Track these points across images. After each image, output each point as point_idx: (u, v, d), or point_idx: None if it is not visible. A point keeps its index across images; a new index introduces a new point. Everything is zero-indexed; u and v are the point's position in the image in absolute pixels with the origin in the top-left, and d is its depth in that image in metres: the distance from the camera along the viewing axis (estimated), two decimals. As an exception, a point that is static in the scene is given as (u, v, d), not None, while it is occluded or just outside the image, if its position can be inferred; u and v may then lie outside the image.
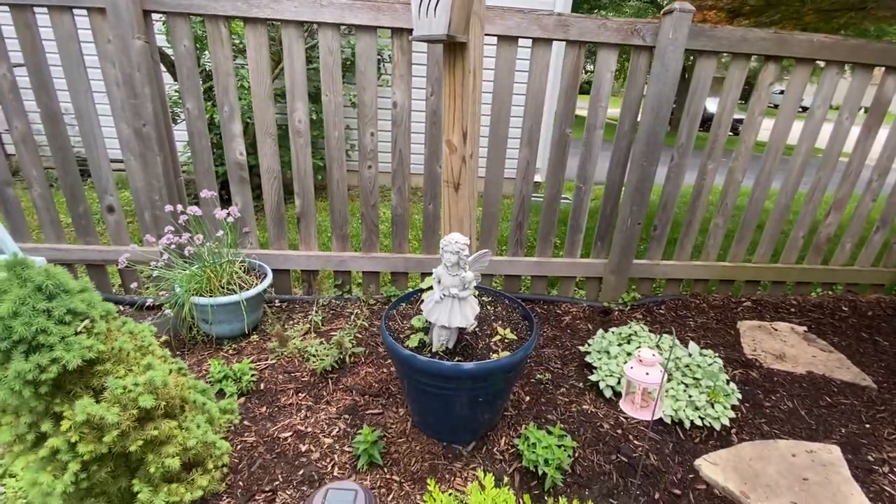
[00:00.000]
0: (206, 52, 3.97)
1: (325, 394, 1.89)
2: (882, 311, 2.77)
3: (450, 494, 1.37)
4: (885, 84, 2.43)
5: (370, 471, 1.53)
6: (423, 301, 1.58)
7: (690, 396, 1.86)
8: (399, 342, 1.56)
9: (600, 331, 2.30)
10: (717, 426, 1.77)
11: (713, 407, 1.82)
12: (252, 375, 1.90)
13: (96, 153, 2.23)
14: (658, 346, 2.13)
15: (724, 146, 2.48)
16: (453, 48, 1.41)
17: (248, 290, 2.14)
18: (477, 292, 1.81)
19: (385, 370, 2.03)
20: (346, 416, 1.76)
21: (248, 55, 2.14)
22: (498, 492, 1.15)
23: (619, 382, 1.93)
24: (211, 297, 2.06)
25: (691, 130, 2.41)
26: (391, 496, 1.45)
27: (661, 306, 2.70)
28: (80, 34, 2.05)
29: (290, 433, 1.68)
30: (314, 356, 2.04)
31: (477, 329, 1.66)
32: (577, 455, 1.63)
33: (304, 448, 1.62)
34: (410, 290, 2.22)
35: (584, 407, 1.88)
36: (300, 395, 1.88)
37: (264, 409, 1.80)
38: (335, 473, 1.52)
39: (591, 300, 2.76)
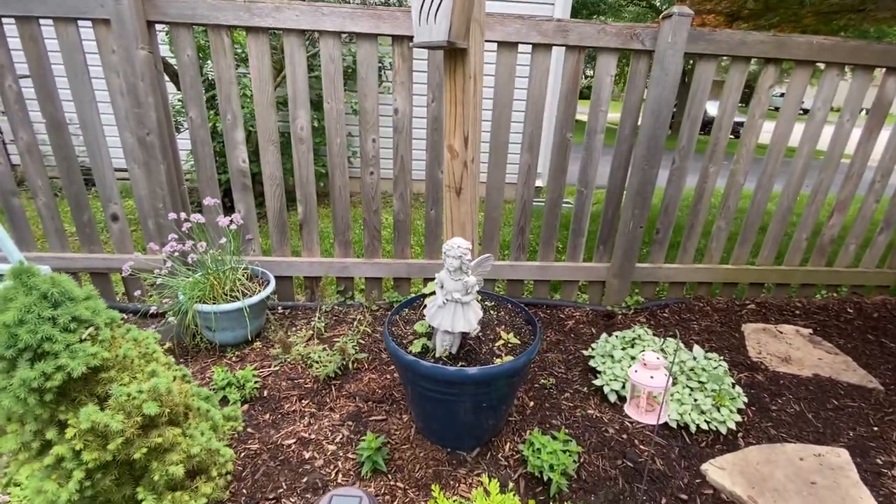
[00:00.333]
0: (209, 62, 4.00)
1: (328, 400, 1.88)
2: (888, 312, 2.76)
3: (454, 501, 1.36)
4: (885, 85, 2.43)
5: (374, 477, 1.52)
6: (425, 306, 1.58)
7: (696, 400, 1.85)
8: (402, 348, 1.55)
9: (604, 335, 2.29)
10: (724, 430, 1.75)
11: (719, 411, 1.81)
12: (255, 382, 1.90)
13: (100, 162, 2.25)
14: (662, 350, 2.12)
15: (725, 149, 2.48)
16: (454, 54, 1.42)
17: (251, 297, 2.14)
18: (480, 297, 1.80)
19: (388, 376, 2.03)
20: (350, 423, 1.76)
21: (251, 64, 2.15)
22: (503, 498, 1.14)
23: (623, 387, 1.92)
24: (214, 304, 2.06)
25: (692, 134, 2.42)
26: (396, 503, 1.44)
27: (664, 310, 2.69)
28: (84, 45, 2.08)
29: (294, 440, 1.68)
30: (317, 363, 2.04)
31: (480, 334, 1.66)
32: (582, 460, 1.62)
33: (307, 455, 1.62)
34: (413, 295, 2.22)
35: (589, 411, 1.87)
36: (303, 401, 1.87)
37: (268, 416, 1.79)
38: (339, 480, 1.52)
39: (594, 304, 2.76)
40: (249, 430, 1.72)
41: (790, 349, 2.35)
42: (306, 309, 2.57)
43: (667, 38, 2.16)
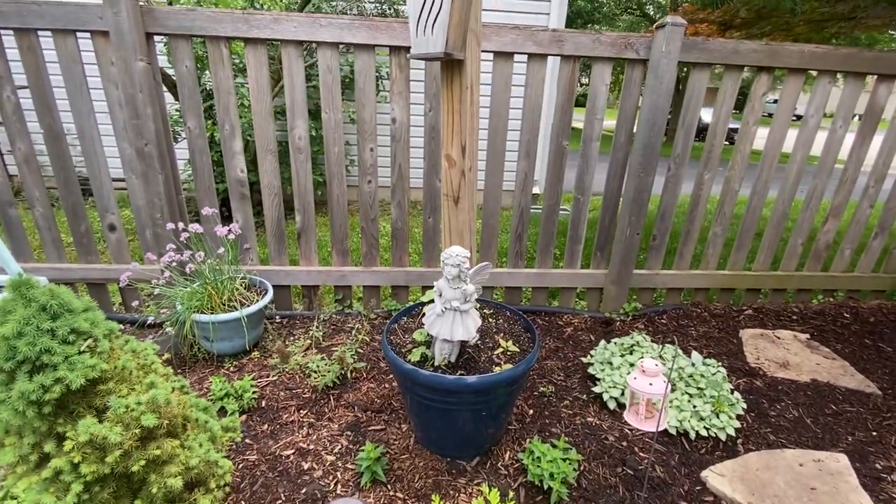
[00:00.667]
0: (207, 72, 4.02)
1: (326, 410, 1.87)
2: (884, 316, 2.77)
3: (455, 510, 1.35)
4: (877, 92, 2.47)
5: (373, 488, 1.52)
6: (424, 314, 1.58)
7: (695, 407, 1.85)
8: (401, 356, 1.55)
9: (602, 342, 2.30)
10: (723, 436, 1.75)
11: (718, 417, 1.81)
12: (253, 392, 1.89)
13: (98, 172, 2.25)
14: (661, 357, 2.12)
15: (720, 156, 2.50)
16: (451, 65, 1.44)
17: (248, 306, 2.14)
18: (478, 305, 1.81)
19: (387, 385, 2.02)
20: (349, 433, 1.75)
21: (249, 74, 2.17)
22: (503, 507, 1.13)
23: (622, 394, 1.92)
24: (212, 314, 2.06)
25: (687, 141, 2.44)
26: (395, 513, 1.44)
27: (662, 316, 2.70)
28: (83, 56, 2.09)
29: (293, 451, 1.67)
30: (315, 372, 2.04)
31: (479, 342, 1.66)
32: (582, 468, 1.62)
33: (306, 466, 1.61)
34: (411, 303, 2.22)
35: (589, 419, 1.87)
36: (302, 411, 1.86)
37: (266, 426, 1.79)
38: (338, 491, 1.51)
39: (592, 311, 2.76)
40: (248, 440, 1.71)
41: (788, 354, 2.36)
42: (304, 318, 2.57)
43: (661, 48, 2.19)
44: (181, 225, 2.17)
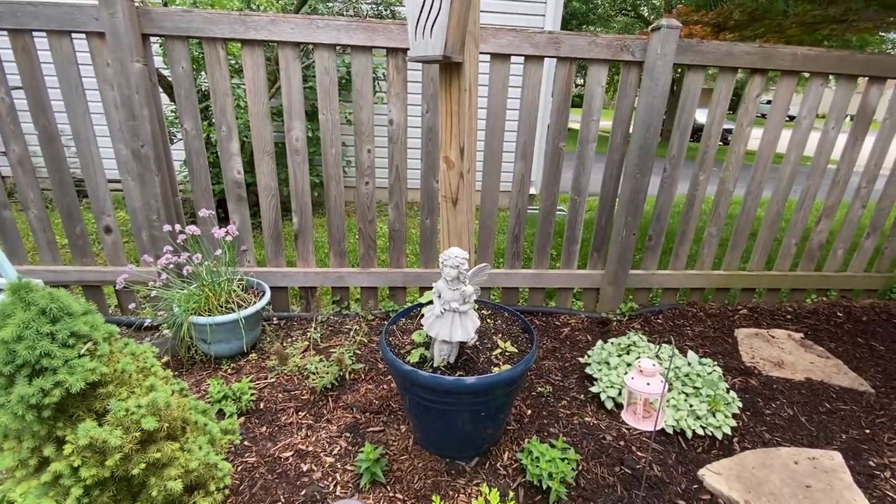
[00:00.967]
0: (203, 73, 4.01)
1: (325, 412, 1.87)
2: (876, 315, 2.80)
3: (454, 511, 1.36)
4: (868, 93, 2.50)
5: (373, 489, 1.52)
6: (422, 315, 1.59)
7: (691, 406, 1.86)
8: (400, 357, 1.56)
9: (599, 342, 2.31)
10: (719, 435, 1.77)
11: (714, 416, 1.83)
12: (251, 394, 1.89)
13: (94, 174, 2.24)
14: (657, 356, 2.14)
15: (714, 157, 2.53)
16: (449, 68, 1.44)
17: (246, 308, 2.13)
18: (476, 306, 1.81)
19: (385, 386, 2.03)
20: (348, 434, 1.75)
21: (246, 76, 2.16)
22: (503, 507, 1.14)
23: (619, 393, 1.93)
24: (210, 316, 2.05)
25: (682, 142, 2.46)
26: (395, 514, 1.44)
27: (658, 316, 2.71)
28: (78, 57, 2.08)
29: (291, 453, 1.67)
30: (314, 374, 2.04)
31: (478, 343, 1.67)
32: (580, 468, 1.63)
33: (305, 468, 1.61)
34: (409, 304, 2.22)
35: (587, 419, 1.88)
36: (300, 413, 1.86)
37: (264, 428, 1.78)
38: (338, 493, 1.51)
39: (588, 311, 2.77)
40: (246, 443, 1.71)
41: (782, 353, 2.38)
42: (302, 319, 2.56)
43: (656, 50, 2.20)
44: (178, 227, 2.16)
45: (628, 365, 2.07)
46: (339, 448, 1.69)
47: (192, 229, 2.13)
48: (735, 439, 1.80)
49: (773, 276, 2.85)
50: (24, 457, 0.98)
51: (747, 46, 2.30)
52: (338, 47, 2.17)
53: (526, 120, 2.37)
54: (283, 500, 1.48)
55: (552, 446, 1.60)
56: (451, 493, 1.52)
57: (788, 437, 1.83)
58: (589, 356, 2.21)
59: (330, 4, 5.00)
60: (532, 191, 5.79)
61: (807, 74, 2.45)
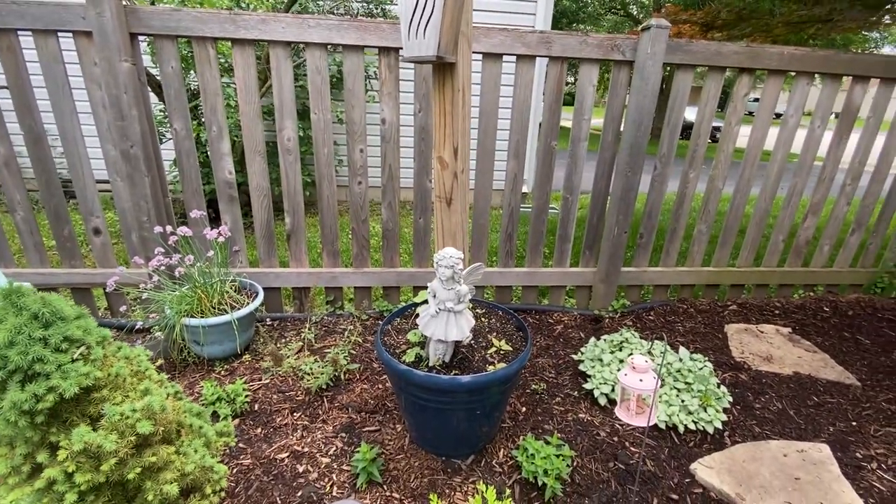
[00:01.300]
0: (192, 71, 3.96)
1: (320, 412, 1.87)
2: (862, 310, 2.86)
3: (451, 509, 1.37)
4: (853, 92, 2.54)
5: (370, 489, 1.52)
6: (417, 315, 1.59)
7: (683, 401, 1.89)
8: (395, 357, 1.56)
9: (592, 339, 2.33)
10: (711, 429, 1.80)
11: (705, 411, 1.86)
12: (246, 396, 1.88)
13: (82, 174, 2.21)
14: (650, 353, 2.16)
15: (704, 154, 2.56)
16: (442, 68, 1.44)
17: (239, 309, 2.12)
18: (471, 304, 1.82)
19: (381, 386, 2.03)
20: (343, 435, 1.75)
21: (236, 75, 2.15)
22: (500, 504, 1.15)
23: (613, 390, 1.95)
24: (202, 317, 2.04)
25: (672, 140, 2.48)
26: (392, 513, 1.44)
27: (650, 312, 2.74)
28: (64, 56, 2.05)
29: (287, 454, 1.66)
30: (308, 374, 2.03)
31: (472, 342, 1.68)
32: (575, 464, 1.64)
33: (301, 468, 1.60)
34: (403, 304, 2.22)
35: (581, 415, 1.90)
36: (295, 414, 1.86)
37: (259, 430, 1.78)
38: (334, 493, 1.51)
39: (581, 308, 2.80)
40: (241, 444, 1.70)
41: (771, 348, 2.42)
42: (295, 320, 2.55)
43: (646, 49, 2.22)
44: (170, 228, 2.14)
45: (621, 361, 2.10)
46: (334, 448, 1.69)
47: (185, 230, 2.11)
48: (726, 433, 1.83)
49: (762, 272, 2.90)
50: (16, 463, 0.97)
51: (735, 46, 2.33)
52: (329, 46, 2.16)
53: (518, 119, 2.37)
54: (279, 502, 1.47)
55: (547, 443, 1.62)
56: (447, 491, 1.53)
57: (778, 431, 1.86)
58: (582, 353, 2.23)
59: (320, 3, 4.97)
60: (525, 189, 5.81)
61: (793, 73, 2.48)
